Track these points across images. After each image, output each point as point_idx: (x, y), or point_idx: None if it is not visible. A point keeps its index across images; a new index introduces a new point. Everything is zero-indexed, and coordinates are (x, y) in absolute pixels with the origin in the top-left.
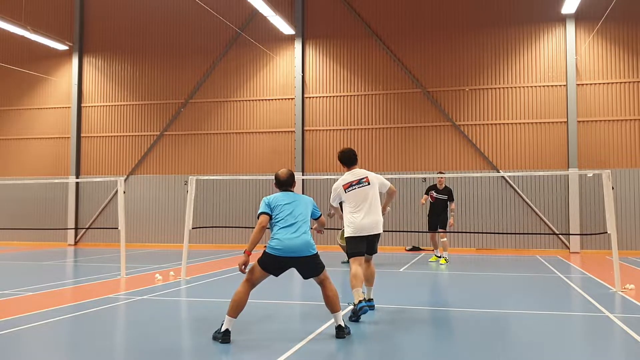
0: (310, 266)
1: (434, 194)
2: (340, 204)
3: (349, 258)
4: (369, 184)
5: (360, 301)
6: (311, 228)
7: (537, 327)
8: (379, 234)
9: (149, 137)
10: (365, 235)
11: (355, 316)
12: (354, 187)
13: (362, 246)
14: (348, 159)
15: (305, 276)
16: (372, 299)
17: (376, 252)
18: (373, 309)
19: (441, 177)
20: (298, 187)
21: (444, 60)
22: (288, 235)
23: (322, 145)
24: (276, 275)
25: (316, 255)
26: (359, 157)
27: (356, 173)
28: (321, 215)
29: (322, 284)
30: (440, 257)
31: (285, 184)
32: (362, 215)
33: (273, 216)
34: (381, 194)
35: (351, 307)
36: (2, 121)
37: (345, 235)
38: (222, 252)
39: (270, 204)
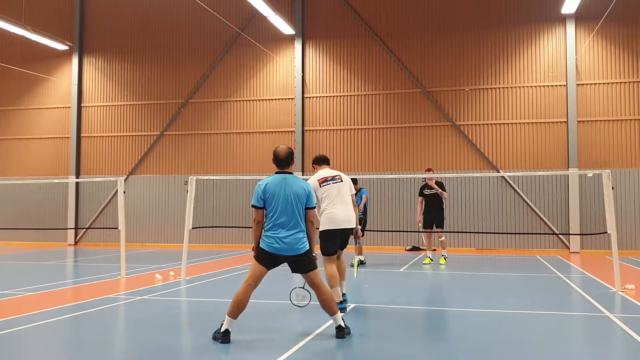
0: (301, 264)
1: (427, 192)
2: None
3: (323, 255)
4: (341, 181)
5: (341, 301)
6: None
7: (537, 327)
8: (350, 230)
9: (149, 137)
10: (340, 229)
11: None
12: (328, 183)
13: (336, 244)
14: (321, 160)
15: (294, 271)
16: (345, 293)
17: (345, 247)
18: (345, 303)
19: (431, 177)
20: None
21: (444, 60)
22: (281, 234)
23: (322, 145)
24: (268, 268)
25: (308, 252)
26: (359, 157)
27: (329, 171)
28: (313, 208)
29: (316, 288)
30: (432, 260)
31: (282, 162)
32: (336, 209)
33: (266, 207)
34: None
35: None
36: (2, 121)
37: (320, 229)
38: (222, 252)
39: (263, 194)
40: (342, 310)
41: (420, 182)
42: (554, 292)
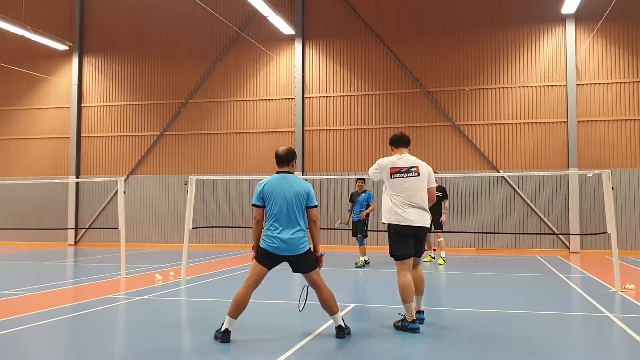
0: (302, 263)
1: None
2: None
3: (395, 260)
4: (418, 174)
5: (414, 320)
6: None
7: (537, 327)
8: (425, 229)
9: (149, 137)
10: (412, 226)
11: (402, 330)
12: (401, 175)
13: (410, 245)
14: (398, 140)
15: (295, 270)
16: (422, 311)
17: (423, 252)
18: (422, 323)
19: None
20: None
21: (444, 60)
22: (280, 233)
23: (322, 145)
24: (269, 268)
25: (308, 252)
26: (359, 157)
27: (407, 159)
28: (315, 206)
29: (316, 287)
30: (434, 257)
31: (282, 159)
32: (405, 207)
33: (266, 206)
34: None
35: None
36: (2, 121)
37: (387, 222)
38: (222, 252)
39: (262, 194)
40: (415, 330)
41: None
42: (554, 292)
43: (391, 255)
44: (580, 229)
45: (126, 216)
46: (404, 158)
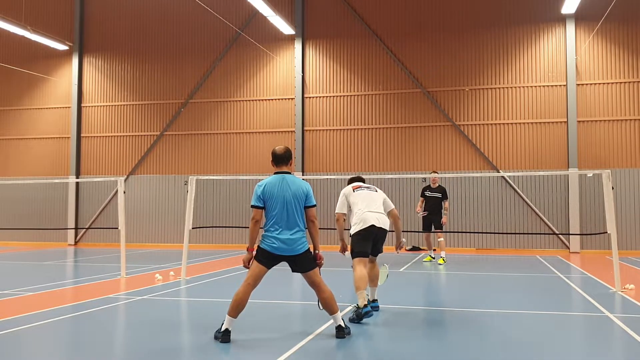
0: (301, 263)
1: (428, 194)
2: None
3: (353, 258)
4: (376, 191)
5: (365, 305)
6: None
7: (537, 327)
8: (385, 232)
9: (149, 137)
10: (370, 227)
11: (358, 319)
12: (362, 189)
13: (368, 245)
14: (356, 179)
15: (294, 270)
16: (376, 300)
17: (381, 252)
18: (377, 310)
19: (435, 177)
20: None
21: (444, 60)
22: (279, 234)
23: (322, 145)
24: (268, 267)
25: (307, 252)
26: (359, 157)
27: (365, 185)
28: (314, 206)
29: (316, 287)
30: (434, 258)
31: (281, 159)
32: (367, 210)
33: (266, 207)
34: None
35: (353, 307)
36: (2, 121)
37: (352, 233)
38: (222, 252)
39: (262, 195)
40: (369, 312)
41: (421, 183)
42: (554, 292)
43: (352, 255)
44: (580, 229)
45: (126, 216)
46: (363, 184)
